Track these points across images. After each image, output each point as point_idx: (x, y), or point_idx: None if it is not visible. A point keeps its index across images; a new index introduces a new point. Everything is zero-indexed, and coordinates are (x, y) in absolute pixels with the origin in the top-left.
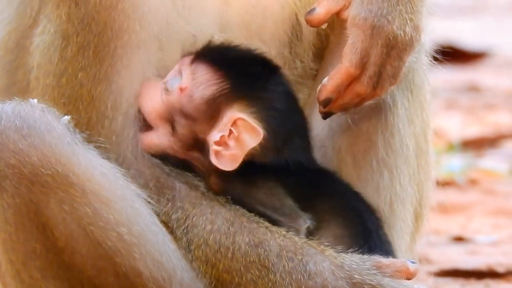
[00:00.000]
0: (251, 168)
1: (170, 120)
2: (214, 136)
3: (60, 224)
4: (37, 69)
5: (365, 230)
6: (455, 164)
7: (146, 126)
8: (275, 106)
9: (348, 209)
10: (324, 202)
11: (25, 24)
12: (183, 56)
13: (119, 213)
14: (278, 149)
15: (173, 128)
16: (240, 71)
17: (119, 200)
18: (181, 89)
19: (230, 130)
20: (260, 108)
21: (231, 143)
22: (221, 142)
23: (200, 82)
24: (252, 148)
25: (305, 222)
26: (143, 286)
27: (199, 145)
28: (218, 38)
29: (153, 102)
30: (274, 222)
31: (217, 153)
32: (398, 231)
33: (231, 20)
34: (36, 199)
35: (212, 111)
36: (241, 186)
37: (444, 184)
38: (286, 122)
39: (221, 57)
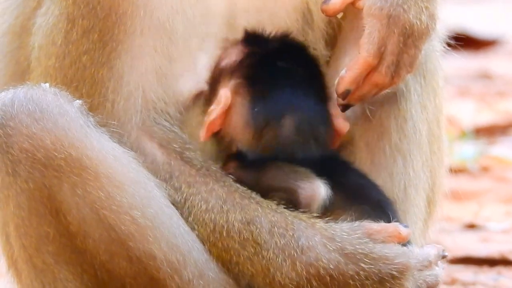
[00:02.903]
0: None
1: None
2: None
3: (73, 209)
4: (39, 50)
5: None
6: (467, 151)
7: None
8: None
9: (370, 200)
10: (344, 194)
11: (30, 6)
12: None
13: (132, 196)
14: (261, 133)
15: None
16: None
17: (132, 183)
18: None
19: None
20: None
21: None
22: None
23: None
24: (242, 134)
25: (323, 183)
26: (157, 269)
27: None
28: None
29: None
30: (289, 193)
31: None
32: (412, 217)
33: (242, 8)
34: (49, 183)
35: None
36: (252, 171)
37: (456, 171)
38: (274, 102)
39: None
